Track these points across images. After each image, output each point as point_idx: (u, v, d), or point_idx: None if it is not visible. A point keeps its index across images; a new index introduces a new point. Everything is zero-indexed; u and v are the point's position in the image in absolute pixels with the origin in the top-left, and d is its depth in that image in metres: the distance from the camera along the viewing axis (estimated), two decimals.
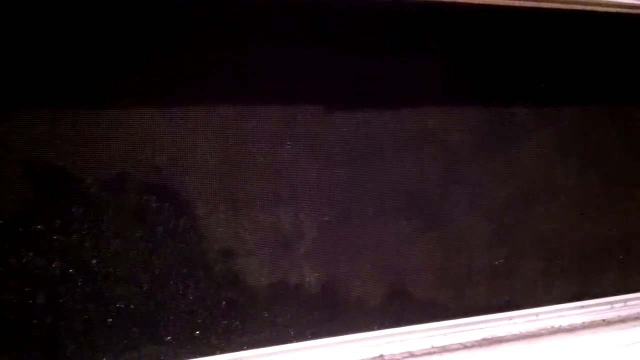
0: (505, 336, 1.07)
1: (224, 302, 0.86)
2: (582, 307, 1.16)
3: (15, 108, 0.71)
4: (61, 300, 0.77)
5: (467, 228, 1.02)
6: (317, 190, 0.89)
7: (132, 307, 0.81)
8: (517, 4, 0.81)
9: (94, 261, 0.78)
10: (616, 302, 1.18)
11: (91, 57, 0.74)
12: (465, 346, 1.02)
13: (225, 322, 0.87)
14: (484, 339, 1.05)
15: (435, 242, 1.00)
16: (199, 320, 0.85)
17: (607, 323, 1.16)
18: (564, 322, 1.13)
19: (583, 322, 1.15)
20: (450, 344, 1.02)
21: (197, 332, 0.84)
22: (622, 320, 1.16)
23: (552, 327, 1.13)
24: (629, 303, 1.18)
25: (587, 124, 1.06)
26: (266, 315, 0.89)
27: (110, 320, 0.80)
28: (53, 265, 0.76)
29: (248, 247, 0.86)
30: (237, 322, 0.87)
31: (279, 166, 0.86)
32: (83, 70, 0.74)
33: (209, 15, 0.78)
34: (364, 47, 0.87)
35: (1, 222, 0.73)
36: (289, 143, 0.86)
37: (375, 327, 0.96)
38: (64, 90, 0.73)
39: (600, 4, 0.84)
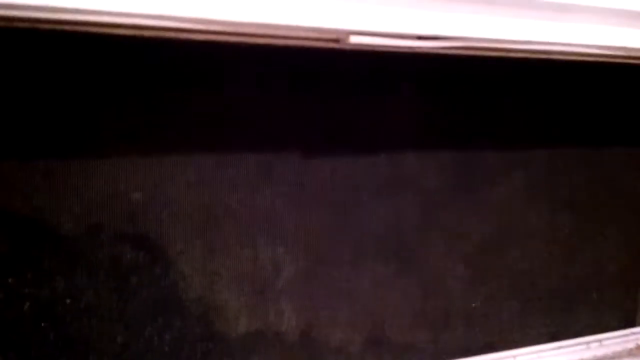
0: None
1: (200, 352, 0.85)
2: (560, 347, 1.16)
3: None
4: (33, 354, 0.75)
5: (443, 271, 1.02)
6: (294, 237, 0.89)
7: None
8: (487, 54, 0.84)
9: (67, 314, 0.76)
10: (592, 341, 1.19)
11: (64, 106, 0.73)
12: None
13: None
14: None
15: (413, 286, 1.00)
16: None
17: None
18: None
19: None
20: None
21: None
22: None
23: None
24: (604, 342, 1.20)
25: (556, 166, 1.09)
26: None
27: None
28: (24, 319, 0.74)
29: (224, 296, 0.86)
30: None
31: (256, 213, 0.86)
32: (55, 120, 0.73)
33: (185, 64, 0.79)
34: (340, 95, 0.89)
35: None
36: (265, 190, 0.86)
37: None
38: (36, 141, 0.73)
39: (564, 53, 0.87)
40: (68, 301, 0.76)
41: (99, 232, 0.77)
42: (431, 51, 0.78)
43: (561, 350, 1.17)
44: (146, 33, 0.64)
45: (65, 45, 0.72)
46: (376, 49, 0.74)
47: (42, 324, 0.75)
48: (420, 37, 0.75)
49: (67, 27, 0.60)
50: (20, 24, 0.58)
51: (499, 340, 1.09)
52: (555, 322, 1.15)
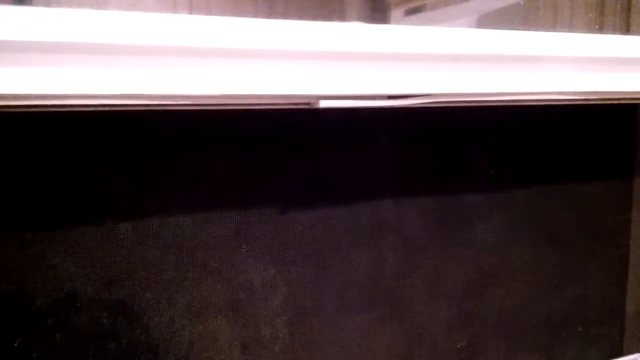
0: None
1: None
2: None
3: None
4: None
5: (427, 314, 1.02)
6: (273, 290, 0.89)
7: None
8: (458, 105, 0.85)
9: None
10: None
11: (35, 177, 0.73)
12: None
13: None
14: None
15: (397, 332, 1.00)
16: None
17: None
18: None
19: None
20: None
21: None
22: None
23: None
24: None
25: (537, 204, 1.09)
26: None
27: None
28: None
29: (206, 355, 0.85)
30: None
31: (235, 270, 0.86)
32: (27, 191, 0.73)
33: (163, 131, 0.79)
34: (316, 148, 0.89)
35: None
36: (244, 246, 0.86)
37: None
38: (8, 214, 0.72)
39: (536, 100, 0.88)
40: None
41: (75, 299, 0.77)
42: (402, 107, 0.79)
43: None
44: (128, 108, 0.64)
45: (41, 121, 0.72)
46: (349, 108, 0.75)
47: None
48: (390, 97, 0.76)
49: (45, 109, 0.61)
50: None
51: None
52: (542, 357, 1.15)
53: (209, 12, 0.81)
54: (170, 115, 0.74)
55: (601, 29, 1.10)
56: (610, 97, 0.94)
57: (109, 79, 0.59)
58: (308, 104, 0.73)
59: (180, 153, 0.81)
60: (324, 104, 0.72)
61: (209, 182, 0.83)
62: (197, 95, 0.64)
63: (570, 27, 1.09)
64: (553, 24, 1.11)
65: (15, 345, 0.74)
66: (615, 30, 1.12)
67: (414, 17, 1.15)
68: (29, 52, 0.56)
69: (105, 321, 0.79)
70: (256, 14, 0.87)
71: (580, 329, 1.19)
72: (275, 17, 0.65)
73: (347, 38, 0.70)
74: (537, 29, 0.83)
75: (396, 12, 1.18)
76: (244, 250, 0.86)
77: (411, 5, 1.16)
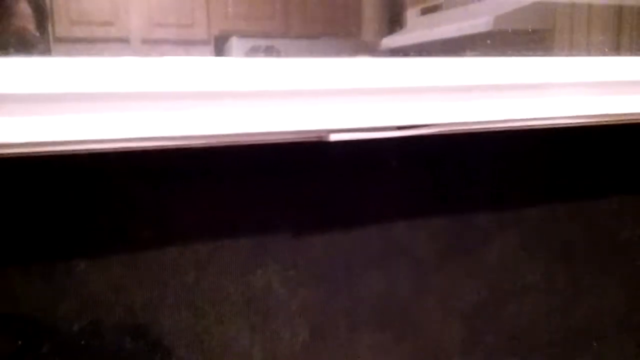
0: None
1: None
2: None
3: None
4: None
5: (440, 334, 1.04)
6: (288, 313, 0.92)
7: None
8: (472, 130, 0.86)
9: None
10: None
11: (57, 212, 0.77)
12: None
13: None
14: None
15: (410, 351, 1.02)
16: None
17: None
18: None
19: None
20: None
21: None
22: None
23: None
24: None
25: (550, 221, 1.10)
26: None
27: None
28: None
29: None
30: None
31: (251, 294, 0.89)
32: (49, 227, 0.77)
33: (169, 155, 0.82)
34: (328, 173, 0.92)
35: None
36: (256, 271, 0.89)
37: None
38: (34, 248, 0.76)
39: (546, 125, 0.89)
40: None
41: (99, 325, 0.80)
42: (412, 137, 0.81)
43: None
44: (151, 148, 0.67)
45: (56, 161, 0.75)
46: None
47: None
48: (399, 128, 0.78)
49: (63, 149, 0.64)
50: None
51: None
52: None
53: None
54: (188, 149, 0.77)
55: (613, 50, 1.11)
56: (624, 118, 0.95)
57: (129, 124, 0.63)
58: (319, 137, 0.76)
59: (197, 185, 0.84)
60: (334, 137, 0.74)
61: (225, 211, 0.86)
62: (212, 135, 0.67)
63: (580, 50, 1.09)
64: (568, 45, 1.11)
65: None
66: (627, 52, 1.12)
67: (429, 17, 1.17)
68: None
69: (127, 345, 0.82)
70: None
71: (595, 345, 1.19)
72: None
73: (356, 74, 0.72)
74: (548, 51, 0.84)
75: (411, 12, 1.20)
76: (256, 275, 0.89)
77: (426, 5, 1.17)
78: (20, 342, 0.77)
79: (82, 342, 0.80)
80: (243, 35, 0.98)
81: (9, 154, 0.61)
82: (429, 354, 1.04)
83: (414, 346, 1.02)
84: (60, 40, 0.81)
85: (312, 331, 0.94)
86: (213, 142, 0.69)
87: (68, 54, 0.62)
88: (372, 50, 1.07)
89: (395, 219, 0.98)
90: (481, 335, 1.08)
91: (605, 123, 0.96)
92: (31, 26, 0.74)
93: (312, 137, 0.76)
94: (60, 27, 0.81)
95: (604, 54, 1.02)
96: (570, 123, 0.91)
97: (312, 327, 0.94)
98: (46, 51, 0.70)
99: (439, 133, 0.83)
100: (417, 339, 1.02)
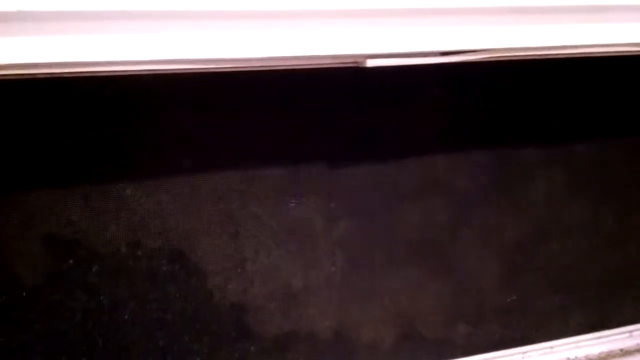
0: None
1: (237, 354, 0.90)
2: (600, 337, 1.15)
3: (32, 188, 0.76)
4: None
5: (477, 270, 1.02)
6: (323, 243, 0.91)
7: None
8: (517, 59, 0.80)
9: (112, 324, 0.83)
10: (635, 330, 1.17)
11: (96, 138, 0.77)
12: None
13: None
14: None
15: (446, 285, 1.01)
16: None
17: (624, 353, 1.16)
18: (580, 354, 1.14)
19: (600, 352, 1.15)
20: None
21: None
22: None
23: (568, 358, 1.13)
24: None
25: (599, 160, 1.04)
26: None
27: None
28: (74, 330, 0.81)
29: (258, 301, 0.90)
30: None
31: (285, 224, 0.88)
32: (90, 150, 0.77)
33: (209, 82, 0.80)
34: (366, 100, 0.88)
35: (23, 293, 0.78)
36: (293, 202, 0.88)
37: None
38: (74, 171, 0.77)
39: (601, 53, 0.82)
40: (113, 311, 0.82)
41: (137, 248, 0.82)
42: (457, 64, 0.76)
43: (602, 340, 1.15)
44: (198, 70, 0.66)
45: (97, 85, 0.75)
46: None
47: (93, 334, 0.82)
48: (443, 53, 0.73)
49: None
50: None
51: (536, 333, 1.09)
52: (596, 313, 1.13)
53: None
54: (222, 76, 0.75)
55: None
56: None
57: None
58: (355, 62, 0.72)
59: (233, 112, 0.82)
60: (371, 62, 0.70)
61: (259, 139, 0.84)
62: (243, 58, 0.64)
63: None
64: None
65: (83, 288, 0.81)
66: None
67: None
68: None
69: (164, 268, 0.84)
70: None
71: (639, 285, 1.15)
72: None
73: None
74: None
75: None
76: (293, 205, 0.88)
77: None
78: (71, 262, 0.79)
79: (119, 264, 0.82)
80: None
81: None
82: (464, 290, 1.02)
83: (449, 281, 1.01)
84: None
85: (346, 263, 0.93)
86: (245, 65, 0.67)
87: None
88: None
89: (435, 152, 0.94)
90: (520, 271, 1.05)
91: None
92: None
93: (348, 63, 0.72)
94: None
95: None
96: (631, 51, 0.83)
97: (346, 258, 0.93)
98: None
99: (487, 60, 0.78)
100: (453, 274, 1.01)
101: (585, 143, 1.03)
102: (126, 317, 0.83)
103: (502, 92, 0.96)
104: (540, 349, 1.11)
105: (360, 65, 0.72)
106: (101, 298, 0.82)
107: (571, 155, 1.03)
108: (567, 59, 0.87)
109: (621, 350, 1.16)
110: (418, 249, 0.97)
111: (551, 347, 1.12)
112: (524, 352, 1.09)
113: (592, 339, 1.14)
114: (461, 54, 0.74)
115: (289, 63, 0.69)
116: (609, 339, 1.16)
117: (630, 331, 1.17)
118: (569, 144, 1.02)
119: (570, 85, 0.99)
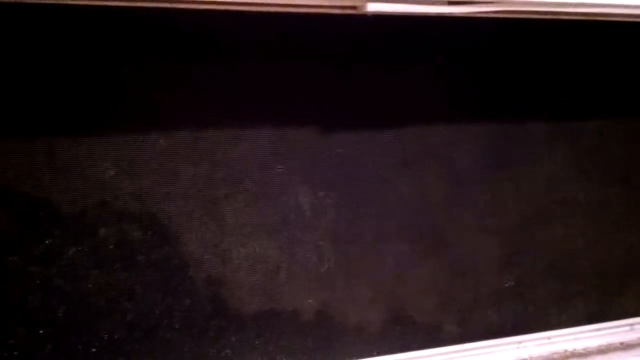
0: None
1: (212, 331, 0.83)
2: (599, 329, 1.09)
3: None
4: (41, 332, 0.75)
5: (474, 250, 0.96)
6: (310, 214, 0.84)
7: (116, 337, 0.78)
8: (529, 17, 0.73)
9: (74, 292, 0.75)
10: (636, 323, 1.11)
11: (66, 83, 0.69)
12: None
13: (214, 351, 0.83)
14: None
15: (440, 266, 0.94)
16: (186, 349, 0.82)
17: (624, 346, 1.10)
18: (579, 346, 1.07)
19: (599, 345, 1.09)
20: None
21: None
22: None
23: (566, 350, 1.07)
24: None
25: (608, 138, 0.98)
26: (257, 343, 0.85)
27: (94, 350, 0.77)
28: (30, 297, 0.73)
29: (237, 275, 0.82)
30: (227, 350, 0.84)
31: (269, 191, 0.81)
32: (58, 97, 0.69)
33: (191, 35, 0.72)
34: (362, 63, 0.81)
35: None
36: (279, 167, 0.80)
37: (375, 354, 0.92)
38: (38, 120, 0.69)
39: (617, 15, 0.75)
40: (75, 279, 0.75)
41: (104, 210, 0.74)
42: (464, 17, 0.69)
43: (601, 332, 1.09)
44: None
45: (68, 21, 0.66)
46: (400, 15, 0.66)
47: (51, 301, 0.74)
48: (451, 2, 0.66)
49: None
50: None
51: (533, 321, 1.03)
52: (597, 303, 1.07)
53: None
54: (199, 17, 0.68)
55: None
56: None
57: None
58: (354, 7, 0.64)
59: (215, 63, 0.74)
60: (372, 7, 0.63)
61: (243, 95, 0.77)
62: None
63: None
64: None
65: (44, 251, 0.73)
66: None
67: None
68: None
69: (134, 233, 0.76)
70: None
71: None
72: None
73: None
74: None
75: None
76: (280, 171, 0.81)
77: None
78: (29, 222, 0.71)
79: (84, 227, 0.74)
80: None
81: None
82: (459, 270, 0.95)
83: (443, 261, 0.94)
84: None
85: (333, 236, 0.86)
86: (227, 8, 0.59)
87: None
88: None
89: (435, 121, 0.87)
90: (520, 255, 0.99)
91: None
92: None
93: (346, 8, 0.64)
94: None
95: None
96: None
97: (334, 231, 0.86)
98: None
99: (497, 16, 0.71)
100: (448, 254, 0.94)
101: (595, 120, 0.96)
102: (90, 285, 0.75)
103: (507, 63, 0.89)
104: (537, 339, 1.04)
105: (360, 12, 0.64)
106: (62, 264, 0.74)
107: (579, 133, 0.96)
108: (583, 25, 0.80)
109: (621, 343, 1.10)
110: (411, 225, 0.90)
111: (548, 338, 1.05)
112: (520, 342, 1.03)
113: (591, 330, 1.08)
114: (469, 4, 0.67)
115: (278, 4, 0.61)
116: (608, 331, 1.10)
117: (632, 324, 1.11)
118: (577, 120, 0.95)
119: (586, 53, 0.92)
